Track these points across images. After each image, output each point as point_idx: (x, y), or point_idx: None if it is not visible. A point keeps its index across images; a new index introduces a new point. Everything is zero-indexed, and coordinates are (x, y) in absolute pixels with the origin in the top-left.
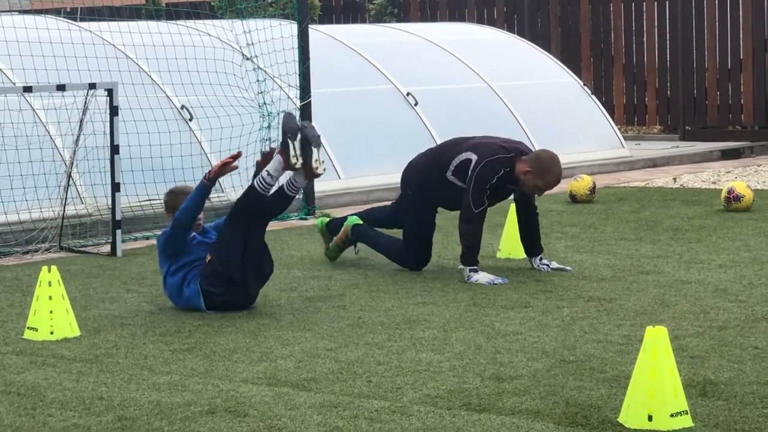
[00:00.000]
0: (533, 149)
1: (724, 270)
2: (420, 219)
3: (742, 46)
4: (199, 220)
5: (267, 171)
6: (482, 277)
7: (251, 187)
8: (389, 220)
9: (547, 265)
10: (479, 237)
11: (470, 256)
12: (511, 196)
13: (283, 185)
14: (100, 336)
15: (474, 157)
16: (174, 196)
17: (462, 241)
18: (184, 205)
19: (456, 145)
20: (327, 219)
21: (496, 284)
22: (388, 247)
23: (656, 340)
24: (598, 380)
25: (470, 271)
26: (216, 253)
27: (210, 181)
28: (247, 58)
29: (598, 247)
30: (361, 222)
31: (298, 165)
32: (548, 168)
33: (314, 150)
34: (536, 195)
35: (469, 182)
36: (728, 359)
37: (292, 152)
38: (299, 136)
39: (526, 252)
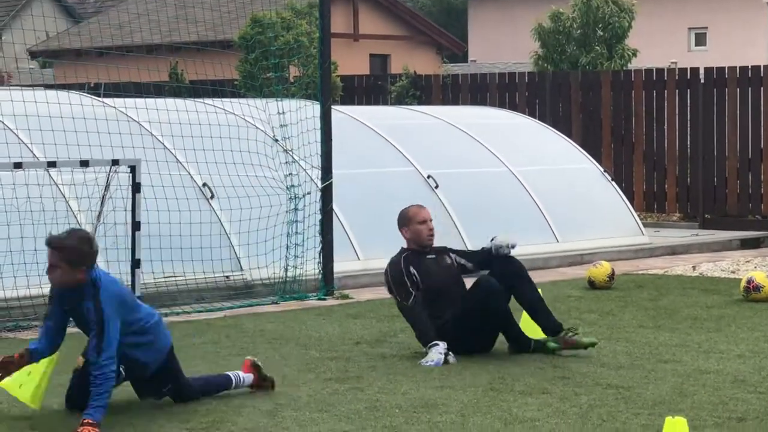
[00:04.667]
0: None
1: (743, 360)
2: None
3: (762, 135)
4: None
5: None
6: (433, 353)
7: None
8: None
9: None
10: (422, 320)
11: (423, 338)
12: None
13: None
14: (115, 413)
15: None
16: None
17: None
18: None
19: None
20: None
21: (443, 363)
22: None
23: (676, 430)
24: None
25: (428, 348)
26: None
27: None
28: (276, 140)
29: (617, 334)
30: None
31: None
32: (404, 215)
33: None
34: (430, 236)
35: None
36: None
37: None
38: None
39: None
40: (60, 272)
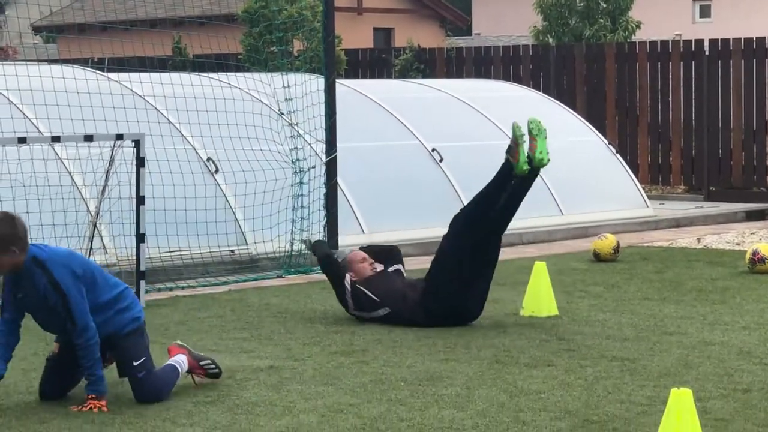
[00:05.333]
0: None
1: (748, 332)
2: None
3: (767, 107)
4: None
5: None
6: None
7: None
8: None
9: None
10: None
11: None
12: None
13: None
14: (122, 387)
15: None
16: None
17: None
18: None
19: None
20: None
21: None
22: None
23: (681, 402)
24: None
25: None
26: None
27: None
28: (281, 113)
29: (622, 306)
30: None
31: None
32: (344, 264)
33: None
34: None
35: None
36: (753, 423)
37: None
38: None
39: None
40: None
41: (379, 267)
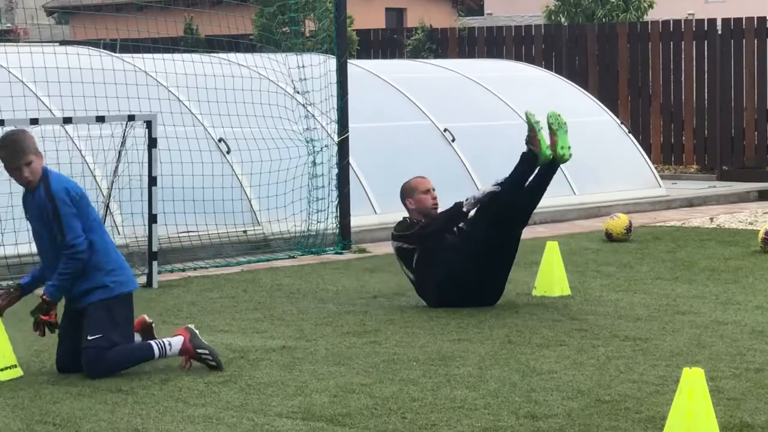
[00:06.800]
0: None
1: (761, 311)
2: None
3: None
4: None
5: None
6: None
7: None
8: None
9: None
10: (441, 214)
11: (454, 208)
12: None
13: None
14: (134, 367)
15: None
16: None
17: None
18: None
19: None
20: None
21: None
22: None
23: (693, 381)
24: (633, 421)
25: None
26: None
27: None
28: (297, 92)
29: (634, 286)
30: None
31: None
32: (407, 186)
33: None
34: (435, 206)
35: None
36: (765, 402)
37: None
38: None
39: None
40: (26, 169)
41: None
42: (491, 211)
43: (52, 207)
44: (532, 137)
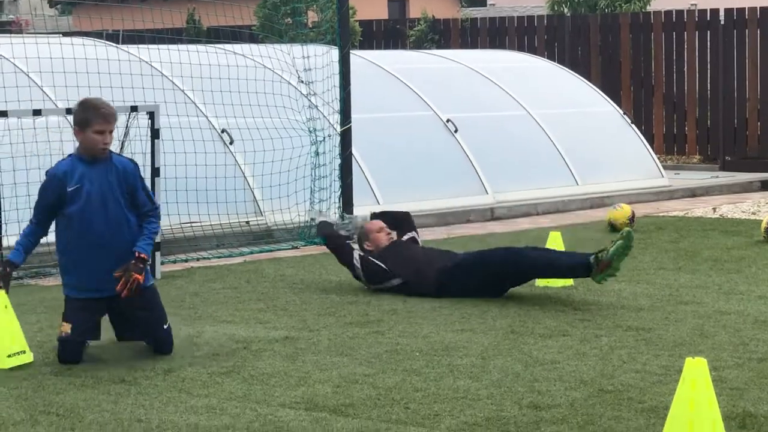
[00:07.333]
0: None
1: (764, 301)
2: None
3: None
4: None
5: None
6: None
7: None
8: None
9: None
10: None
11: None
12: None
13: None
14: (137, 358)
15: None
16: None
17: None
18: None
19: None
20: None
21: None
22: None
23: (695, 371)
24: (636, 410)
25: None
26: None
27: None
28: (302, 81)
29: (637, 276)
30: None
31: None
32: (359, 235)
33: None
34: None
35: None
36: None
37: None
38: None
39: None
40: (110, 135)
41: (394, 235)
42: (504, 256)
43: (137, 175)
44: (602, 262)
